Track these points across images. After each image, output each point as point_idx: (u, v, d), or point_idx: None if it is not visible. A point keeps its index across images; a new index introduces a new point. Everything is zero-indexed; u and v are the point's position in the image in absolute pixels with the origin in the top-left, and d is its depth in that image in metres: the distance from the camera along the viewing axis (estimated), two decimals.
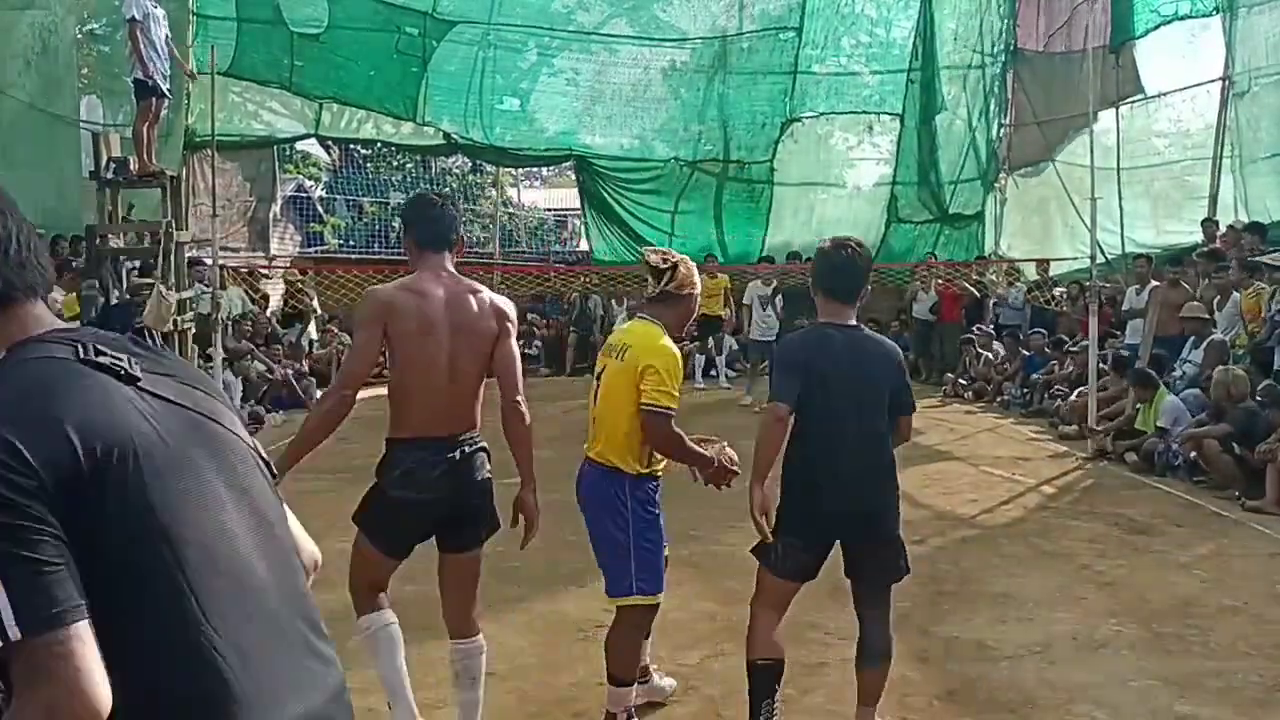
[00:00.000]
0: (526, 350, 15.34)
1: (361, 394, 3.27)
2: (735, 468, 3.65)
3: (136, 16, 8.58)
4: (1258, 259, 9.34)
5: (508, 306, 3.38)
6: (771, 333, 11.93)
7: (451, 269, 3.35)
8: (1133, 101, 13.19)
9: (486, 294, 3.36)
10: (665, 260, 3.48)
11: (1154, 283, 10.22)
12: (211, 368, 8.91)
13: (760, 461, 3.29)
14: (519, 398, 3.30)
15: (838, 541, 3.41)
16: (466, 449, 3.28)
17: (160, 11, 8.99)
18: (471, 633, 3.42)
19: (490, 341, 3.30)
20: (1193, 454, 7.53)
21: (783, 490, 3.39)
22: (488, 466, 3.36)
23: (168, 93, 9.31)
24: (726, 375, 13.60)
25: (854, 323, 3.45)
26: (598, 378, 3.56)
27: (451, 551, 3.37)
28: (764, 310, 12.00)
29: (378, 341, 3.26)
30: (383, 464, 3.33)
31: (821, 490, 3.33)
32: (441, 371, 3.22)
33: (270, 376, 11.80)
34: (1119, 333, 11.01)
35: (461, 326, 3.24)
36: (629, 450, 3.41)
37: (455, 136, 15.78)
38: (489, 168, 21.26)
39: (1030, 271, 14.58)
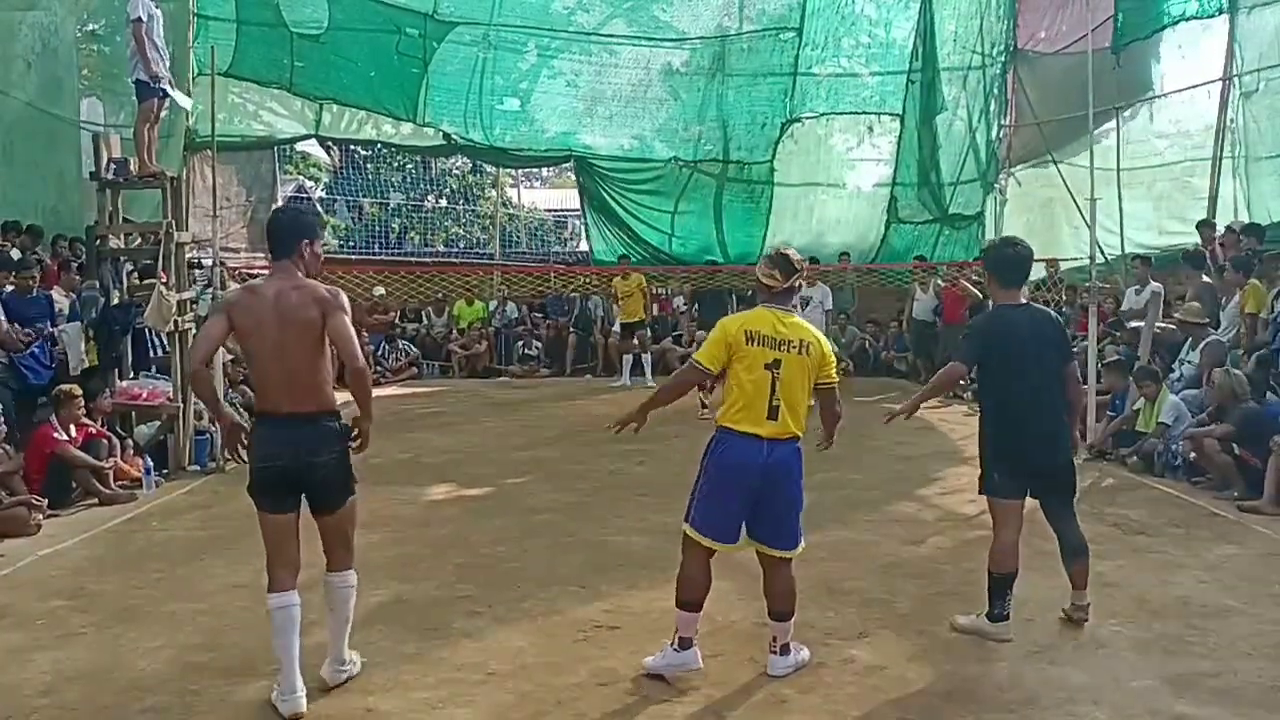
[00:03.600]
0: (527, 350, 15.39)
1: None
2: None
3: (141, 17, 8.57)
4: (1247, 256, 9.28)
5: (331, 293, 3.83)
6: None
7: (292, 272, 3.84)
8: (1134, 103, 13.16)
9: (310, 287, 3.82)
10: (800, 263, 4.03)
11: (1154, 283, 10.19)
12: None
13: (927, 391, 4.81)
14: (357, 365, 3.76)
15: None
16: (306, 428, 3.78)
17: (159, 12, 8.99)
18: (339, 568, 4.00)
19: (317, 327, 3.76)
20: (1192, 454, 7.53)
21: (985, 433, 4.56)
22: (331, 444, 3.82)
23: (170, 91, 9.29)
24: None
25: (1024, 301, 4.66)
26: (771, 368, 3.91)
27: (316, 513, 3.94)
28: None
29: (221, 326, 3.82)
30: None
31: (1012, 431, 4.47)
32: (272, 360, 3.77)
33: None
34: (1117, 333, 10.97)
35: (285, 316, 3.74)
36: (803, 423, 4.01)
37: (455, 137, 15.77)
38: (489, 168, 21.25)
39: (1034, 270, 14.46)
